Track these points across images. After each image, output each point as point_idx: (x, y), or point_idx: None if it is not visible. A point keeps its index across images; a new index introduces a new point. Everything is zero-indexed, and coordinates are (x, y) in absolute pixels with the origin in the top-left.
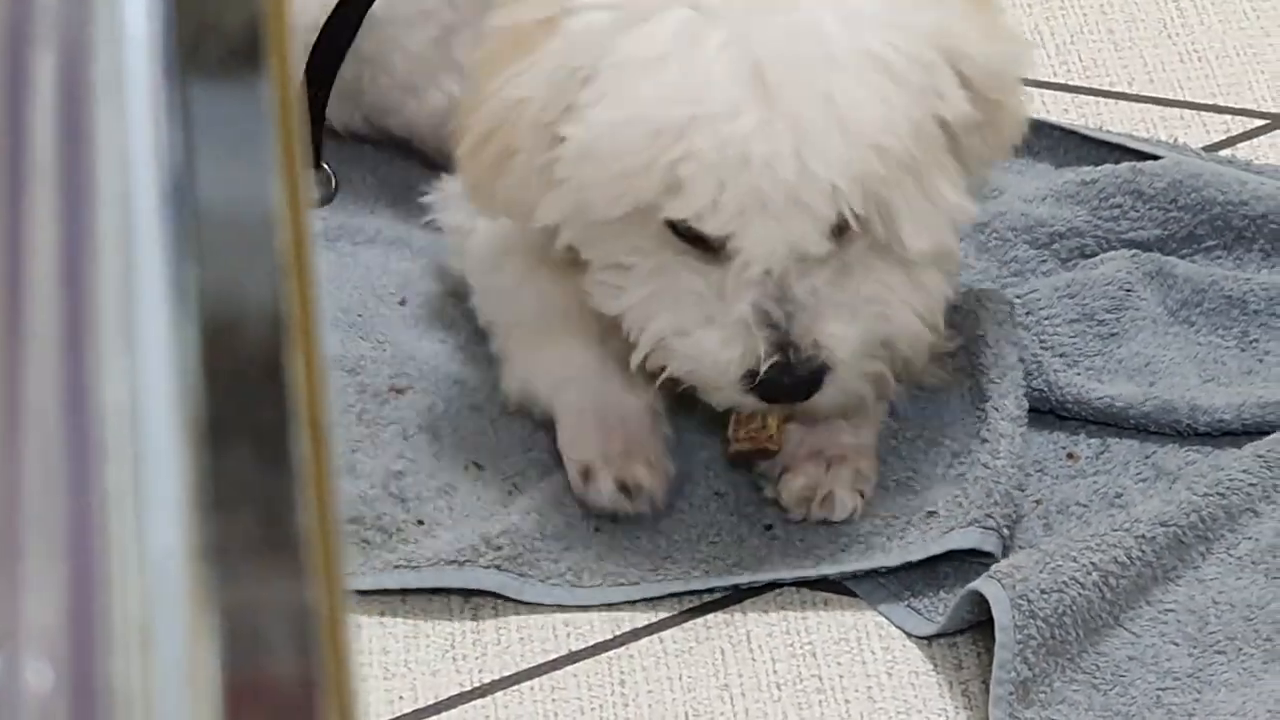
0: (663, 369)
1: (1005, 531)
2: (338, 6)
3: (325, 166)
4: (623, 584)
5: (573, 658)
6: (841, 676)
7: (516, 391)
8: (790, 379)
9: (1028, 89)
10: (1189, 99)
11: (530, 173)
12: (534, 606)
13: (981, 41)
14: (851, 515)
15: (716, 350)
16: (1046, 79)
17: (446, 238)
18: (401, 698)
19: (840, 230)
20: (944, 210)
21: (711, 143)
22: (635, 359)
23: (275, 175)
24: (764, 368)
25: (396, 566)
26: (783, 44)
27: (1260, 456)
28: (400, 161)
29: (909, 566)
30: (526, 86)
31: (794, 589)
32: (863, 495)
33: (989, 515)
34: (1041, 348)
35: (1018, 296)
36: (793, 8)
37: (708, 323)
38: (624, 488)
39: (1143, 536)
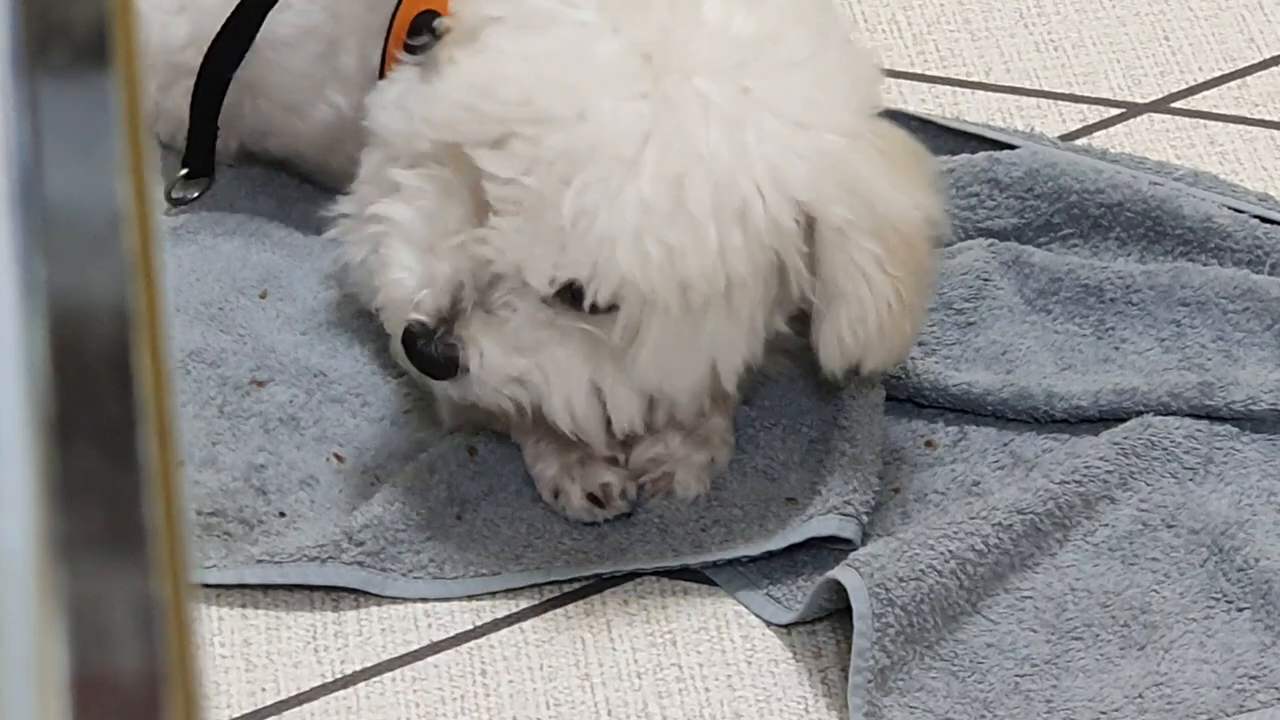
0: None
1: (864, 518)
2: (229, 20)
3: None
4: (484, 574)
5: (434, 648)
6: (701, 665)
7: (451, 420)
8: (424, 348)
9: (886, 80)
10: (1045, 88)
11: None
12: (395, 597)
13: (886, 192)
14: (698, 499)
15: (402, 270)
16: (903, 69)
17: (352, 273)
18: (264, 689)
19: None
20: (703, 364)
21: (559, 146)
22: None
23: (122, 174)
24: (411, 318)
25: (259, 561)
26: (681, 121)
27: (1117, 444)
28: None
29: (768, 555)
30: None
31: (654, 578)
32: (710, 485)
33: (848, 502)
34: None
35: None
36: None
37: (422, 249)
38: (592, 497)
39: (1000, 524)
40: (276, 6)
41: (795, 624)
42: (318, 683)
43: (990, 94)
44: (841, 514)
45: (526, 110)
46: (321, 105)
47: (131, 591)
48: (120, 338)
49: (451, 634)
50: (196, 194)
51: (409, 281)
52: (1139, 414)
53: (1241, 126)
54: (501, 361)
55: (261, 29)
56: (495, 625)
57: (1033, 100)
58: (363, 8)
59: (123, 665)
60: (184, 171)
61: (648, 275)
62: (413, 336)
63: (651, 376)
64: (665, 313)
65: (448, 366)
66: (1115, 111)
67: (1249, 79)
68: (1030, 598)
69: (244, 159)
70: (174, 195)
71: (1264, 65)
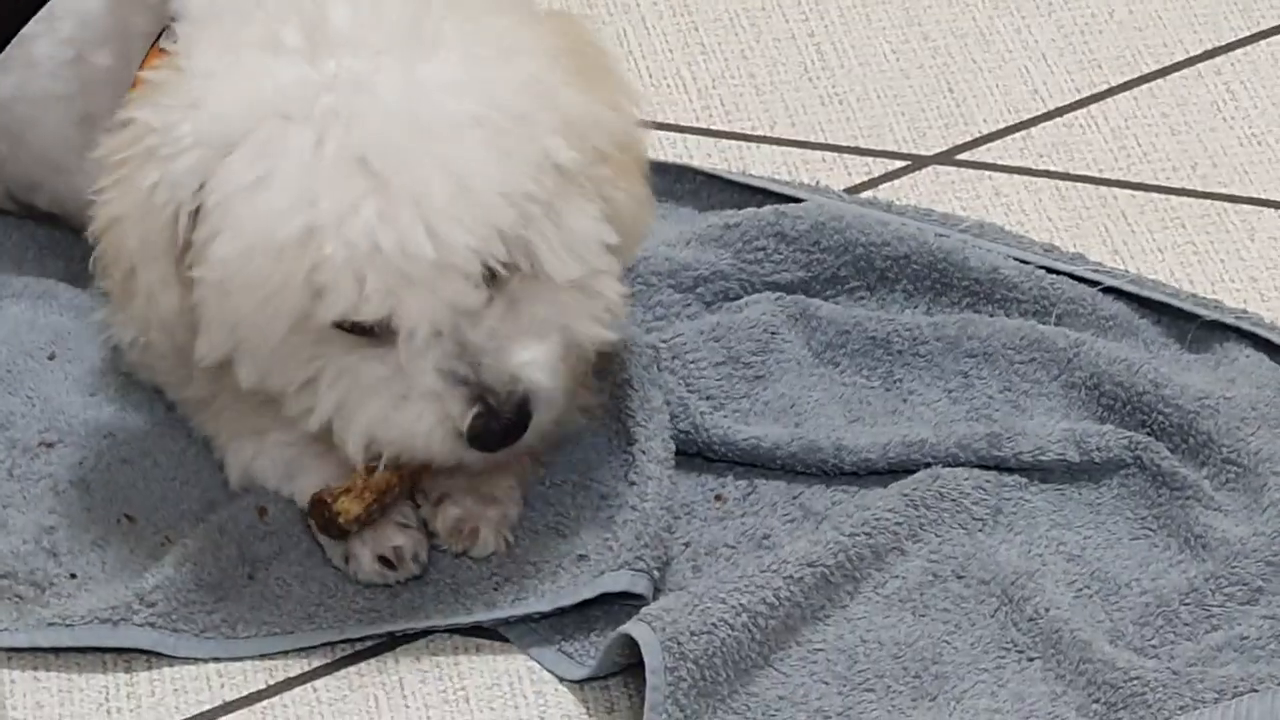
0: (381, 456)
1: (655, 573)
2: None
3: None
4: (277, 633)
5: (227, 708)
6: None
7: (238, 479)
8: (498, 423)
9: (671, 135)
10: (831, 141)
11: (157, 292)
12: (188, 658)
13: (576, 94)
14: (492, 555)
15: (416, 424)
16: (689, 124)
17: (125, 354)
18: None
19: (493, 275)
20: (580, 238)
21: (338, 244)
22: (354, 459)
23: None
24: (467, 423)
25: (50, 624)
26: (381, 129)
27: (906, 495)
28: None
29: (560, 611)
30: (123, 206)
31: (446, 635)
32: (507, 542)
33: (639, 558)
34: (688, 391)
35: (663, 340)
36: (378, 92)
37: (402, 402)
38: (384, 560)
39: (791, 577)
40: (26, 64)
41: (588, 679)
42: None
43: (776, 148)
44: (633, 569)
45: None
46: (82, 172)
47: None
48: None
49: (244, 693)
50: None
51: (429, 421)
52: (927, 465)
53: (1026, 177)
54: (546, 344)
55: (14, 85)
56: (288, 684)
57: (818, 153)
58: (110, 90)
59: None
60: None
61: (510, 214)
62: (483, 426)
63: None
64: (536, 226)
65: (525, 406)
66: (900, 164)
67: (1033, 130)
68: (822, 650)
69: (27, 212)
70: None
71: (1048, 116)
